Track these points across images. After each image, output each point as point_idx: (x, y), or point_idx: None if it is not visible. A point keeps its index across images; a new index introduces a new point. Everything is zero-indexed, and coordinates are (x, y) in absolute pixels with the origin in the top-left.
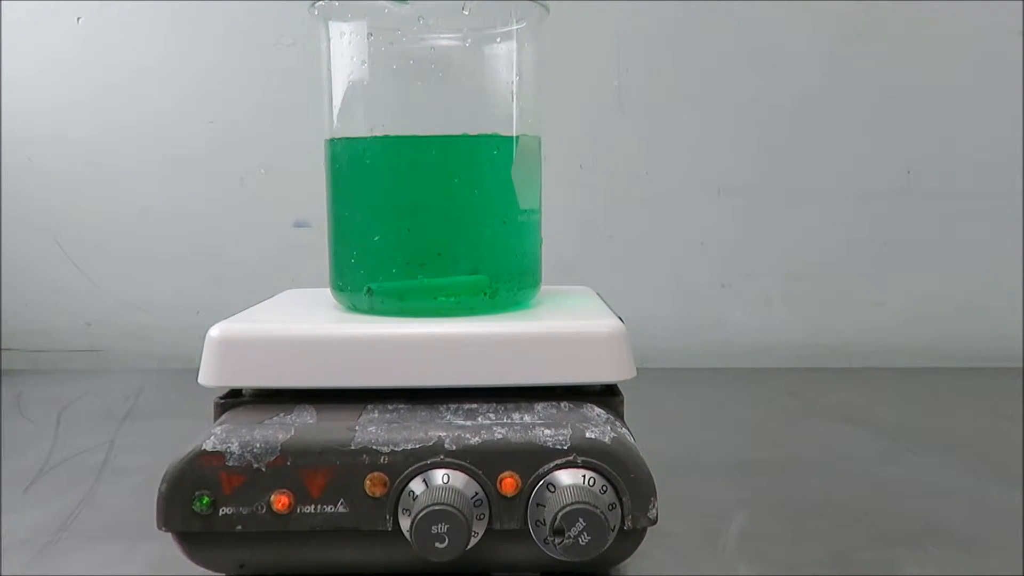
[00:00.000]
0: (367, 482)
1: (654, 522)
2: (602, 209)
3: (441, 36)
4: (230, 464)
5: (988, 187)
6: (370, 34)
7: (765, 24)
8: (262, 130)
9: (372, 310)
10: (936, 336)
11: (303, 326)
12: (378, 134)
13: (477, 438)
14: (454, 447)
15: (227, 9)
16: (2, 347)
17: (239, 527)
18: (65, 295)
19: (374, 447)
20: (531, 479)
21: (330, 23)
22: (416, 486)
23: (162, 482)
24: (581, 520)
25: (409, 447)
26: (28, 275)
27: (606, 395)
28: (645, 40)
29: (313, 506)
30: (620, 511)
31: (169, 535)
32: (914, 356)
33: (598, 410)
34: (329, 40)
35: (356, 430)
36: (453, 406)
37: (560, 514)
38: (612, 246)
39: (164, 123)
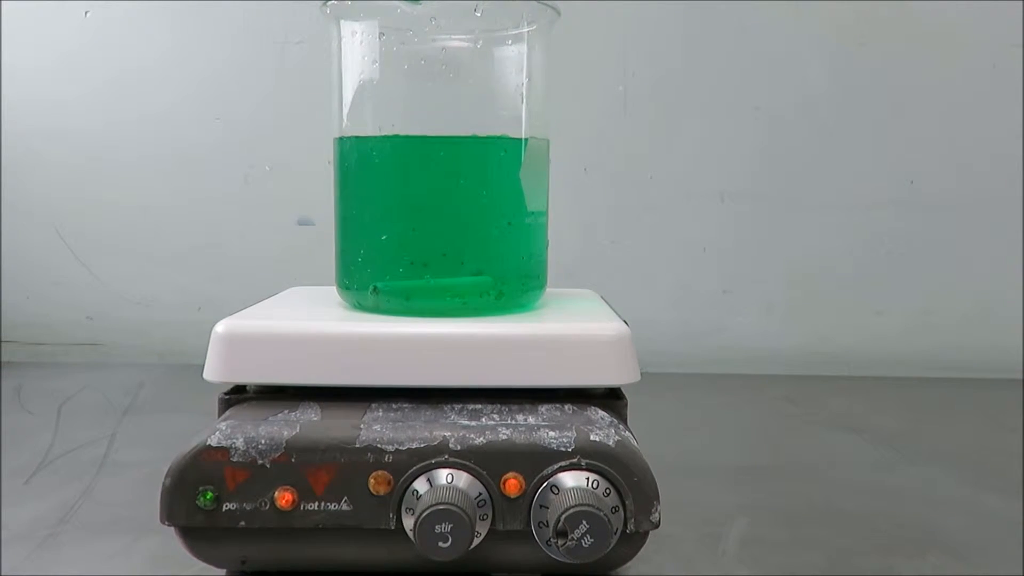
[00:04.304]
0: (371, 480)
1: (656, 526)
2: (605, 213)
3: (453, 37)
4: (234, 460)
5: (989, 198)
6: (382, 34)
7: (770, 32)
8: (268, 128)
9: (377, 309)
10: (936, 346)
11: (309, 323)
12: (387, 133)
13: (481, 439)
14: (458, 447)
15: (236, 6)
16: (2, 339)
17: (242, 523)
18: (66, 288)
19: (379, 445)
20: (535, 480)
21: (342, 22)
22: (420, 485)
23: (166, 476)
24: (584, 522)
25: (413, 446)
26: (29, 268)
27: (610, 398)
28: (650, 45)
29: (316, 503)
30: (623, 514)
31: (171, 529)
32: (914, 366)
33: (602, 413)
34: (340, 39)
35: (361, 428)
36: (457, 406)
37: (564, 516)
38: (615, 250)
39: (170, 119)
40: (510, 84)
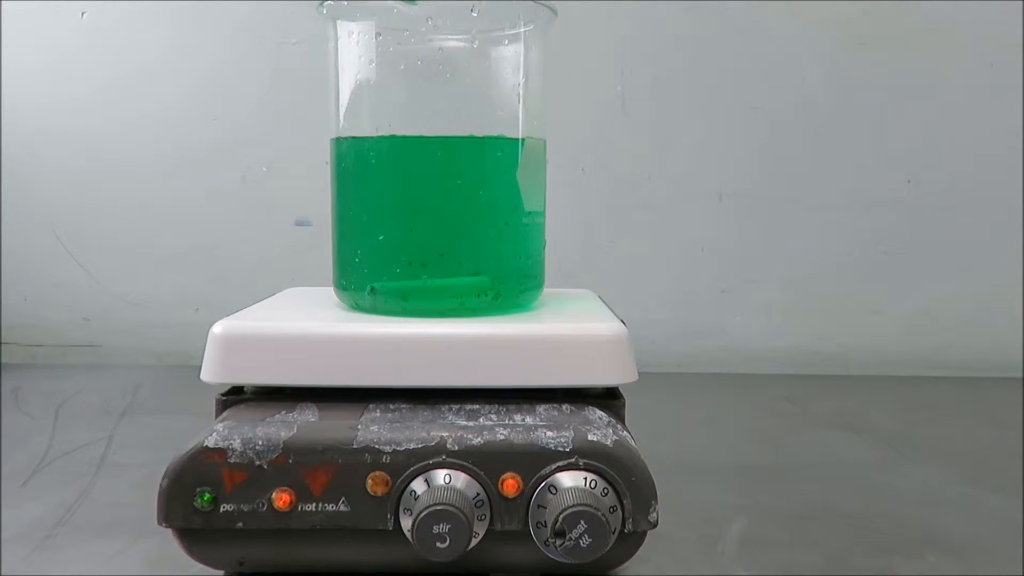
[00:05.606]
0: (369, 481)
1: (654, 525)
2: (603, 213)
3: (449, 37)
4: (232, 461)
5: (988, 197)
6: (378, 34)
7: (768, 32)
8: (265, 128)
9: (375, 309)
10: (935, 345)
11: (306, 324)
12: (384, 134)
13: (479, 439)
14: (456, 447)
15: (233, 7)
16: (1, 341)
17: (240, 524)
18: (64, 290)
19: (376, 446)
20: (532, 480)
21: (338, 22)
22: (418, 486)
23: (164, 478)
24: (582, 522)
25: (411, 447)
26: (27, 269)
27: (607, 398)
28: (648, 45)
29: (314, 504)
30: (621, 514)
31: (169, 531)
32: (913, 365)
33: (600, 413)
34: (337, 39)
35: (358, 429)
36: (455, 407)
37: (561, 516)
38: (613, 250)
39: (167, 119)
40: (507, 84)
